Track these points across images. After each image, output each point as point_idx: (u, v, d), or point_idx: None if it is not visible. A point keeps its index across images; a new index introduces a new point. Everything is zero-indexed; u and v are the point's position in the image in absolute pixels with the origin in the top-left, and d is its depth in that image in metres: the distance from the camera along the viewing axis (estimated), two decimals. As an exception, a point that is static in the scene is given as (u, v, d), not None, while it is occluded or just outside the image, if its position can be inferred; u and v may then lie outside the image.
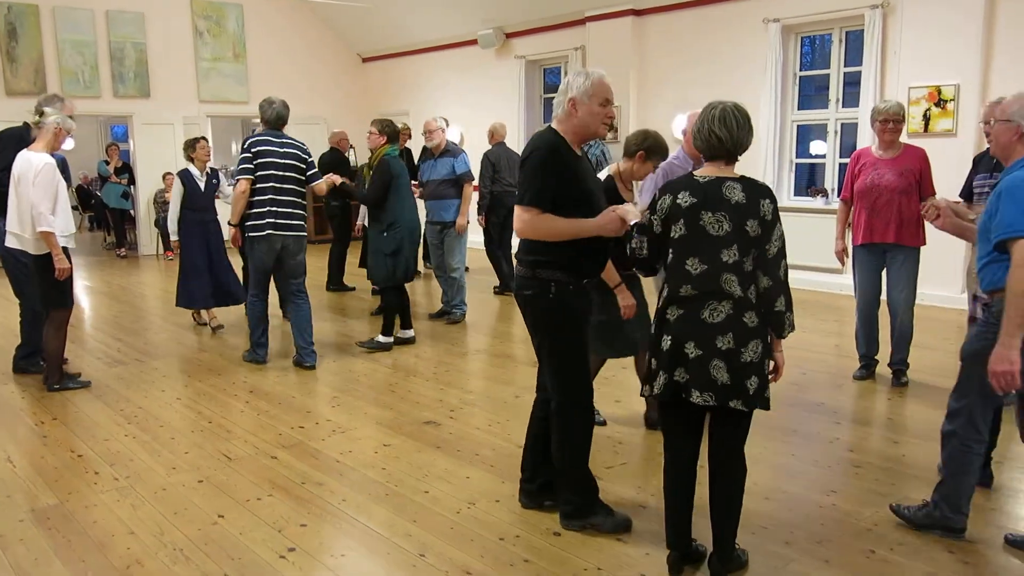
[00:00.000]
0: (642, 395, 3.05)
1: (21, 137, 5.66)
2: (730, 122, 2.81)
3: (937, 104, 7.85)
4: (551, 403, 3.39)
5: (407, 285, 6.61)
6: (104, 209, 14.01)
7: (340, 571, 3.14)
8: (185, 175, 7.11)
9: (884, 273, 5.35)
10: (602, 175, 4.29)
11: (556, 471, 3.47)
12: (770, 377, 2.92)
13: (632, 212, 3.08)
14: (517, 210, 3.21)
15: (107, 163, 13.51)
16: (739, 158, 2.91)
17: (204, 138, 7.43)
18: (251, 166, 5.80)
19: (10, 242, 5.34)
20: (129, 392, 5.52)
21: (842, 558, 3.17)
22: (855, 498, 3.71)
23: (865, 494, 3.76)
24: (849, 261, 5.54)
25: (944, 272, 7.77)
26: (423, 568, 3.14)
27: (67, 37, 12.16)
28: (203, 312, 7.47)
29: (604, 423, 4.72)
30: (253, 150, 5.82)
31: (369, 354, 6.38)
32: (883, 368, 5.52)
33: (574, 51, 11.23)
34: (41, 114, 5.27)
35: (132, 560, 3.23)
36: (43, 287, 5.34)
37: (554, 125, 3.31)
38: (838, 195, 6.04)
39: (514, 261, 3.50)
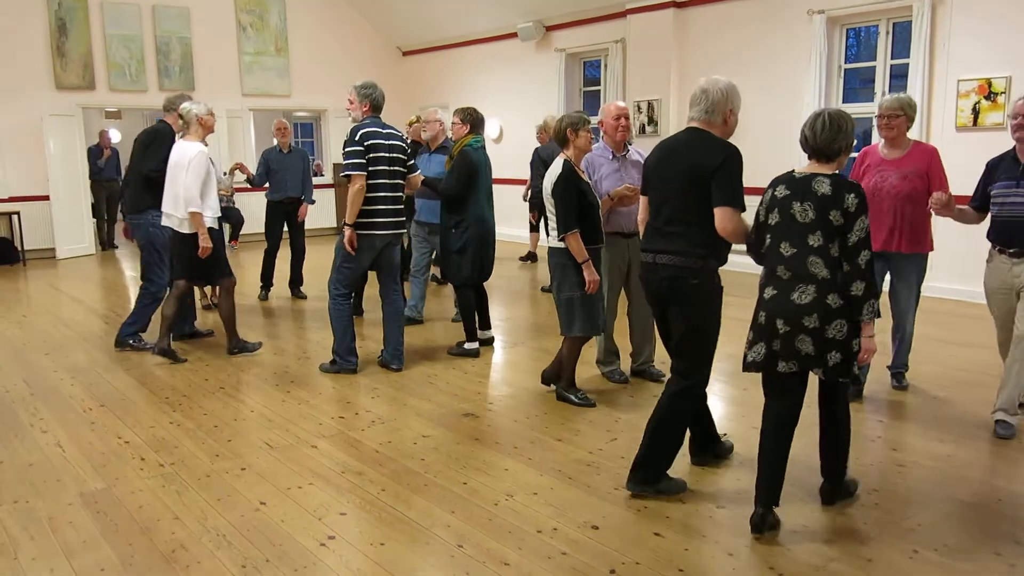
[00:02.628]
0: (745, 371, 3.39)
1: (172, 134, 6.27)
2: (816, 125, 3.26)
3: (987, 97, 7.67)
4: (673, 381, 3.68)
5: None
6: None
7: (379, 560, 3.17)
8: None
9: (888, 277, 4.96)
10: (557, 166, 4.74)
11: (654, 442, 3.68)
12: (859, 362, 3.28)
13: None
14: (726, 211, 3.41)
15: (153, 156, 13.76)
16: (839, 160, 3.29)
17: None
18: (364, 160, 5.30)
19: (163, 221, 5.98)
20: (174, 380, 5.62)
21: (884, 558, 3.13)
22: (898, 497, 3.65)
23: (909, 494, 3.69)
24: None
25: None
26: (461, 559, 3.16)
27: (114, 32, 12.40)
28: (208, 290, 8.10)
29: (594, 404, 4.92)
30: (366, 142, 5.30)
31: (406, 346, 6.41)
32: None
33: (614, 44, 11.17)
34: (181, 116, 5.92)
35: (177, 544, 3.29)
36: (191, 262, 5.95)
37: (704, 128, 3.58)
38: None
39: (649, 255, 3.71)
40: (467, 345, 6.17)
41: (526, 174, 9.97)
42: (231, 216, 12.27)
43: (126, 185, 6.66)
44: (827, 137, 3.23)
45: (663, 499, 3.64)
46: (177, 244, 5.95)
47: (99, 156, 12.79)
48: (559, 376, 5.08)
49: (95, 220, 12.83)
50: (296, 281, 8.63)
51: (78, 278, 10.33)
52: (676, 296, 3.61)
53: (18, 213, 11.60)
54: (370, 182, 5.36)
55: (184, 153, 5.79)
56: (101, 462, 4.18)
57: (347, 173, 5.33)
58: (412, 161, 5.70)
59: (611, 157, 5.14)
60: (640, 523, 3.42)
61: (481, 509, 3.58)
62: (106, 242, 12.96)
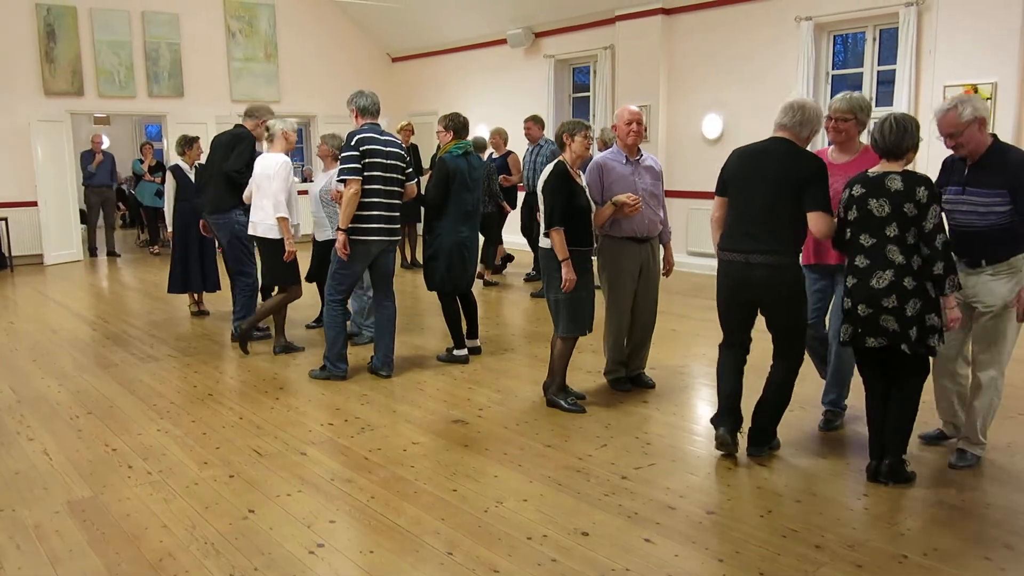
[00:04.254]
0: (841, 342, 3.87)
1: (252, 139, 6.65)
2: (885, 130, 3.64)
3: (974, 103, 7.71)
4: (783, 364, 4.10)
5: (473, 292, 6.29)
6: (138, 207, 14.21)
7: (368, 567, 3.16)
8: (176, 170, 7.77)
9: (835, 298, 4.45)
10: (552, 165, 4.84)
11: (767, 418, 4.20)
12: (946, 328, 3.65)
13: None
14: (823, 216, 3.83)
15: (142, 162, 13.71)
16: (907, 157, 3.67)
17: (198, 138, 8.13)
18: (359, 165, 5.33)
19: (250, 230, 6.25)
20: (162, 387, 5.59)
21: (874, 563, 3.13)
22: (888, 502, 3.66)
23: (898, 498, 3.70)
24: None
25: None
26: (450, 566, 3.15)
27: (103, 38, 12.36)
28: (196, 296, 8.09)
29: (584, 410, 4.92)
30: (361, 148, 5.34)
31: (396, 353, 6.39)
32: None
33: (603, 50, 11.20)
34: (268, 129, 6.14)
35: (164, 553, 3.27)
36: (276, 267, 6.18)
37: (792, 139, 3.98)
38: None
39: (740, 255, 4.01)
40: (456, 352, 6.16)
41: (518, 181, 9.97)
42: None
43: (205, 186, 7.06)
44: (895, 139, 3.62)
45: (651, 505, 3.65)
46: (274, 250, 6.10)
47: (91, 161, 12.56)
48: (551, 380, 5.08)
49: (86, 227, 12.77)
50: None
51: (66, 284, 10.27)
52: (775, 292, 3.99)
53: (5, 219, 11.53)
54: (366, 187, 5.37)
55: (270, 164, 5.99)
56: (88, 470, 4.16)
57: (343, 178, 5.37)
58: (410, 169, 5.69)
59: (624, 161, 5.10)
60: (630, 530, 3.42)
61: (471, 516, 3.57)
62: (97, 249, 12.83)
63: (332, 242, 6.10)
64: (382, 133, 5.51)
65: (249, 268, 6.85)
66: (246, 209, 6.43)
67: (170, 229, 7.81)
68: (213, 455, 4.34)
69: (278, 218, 5.96)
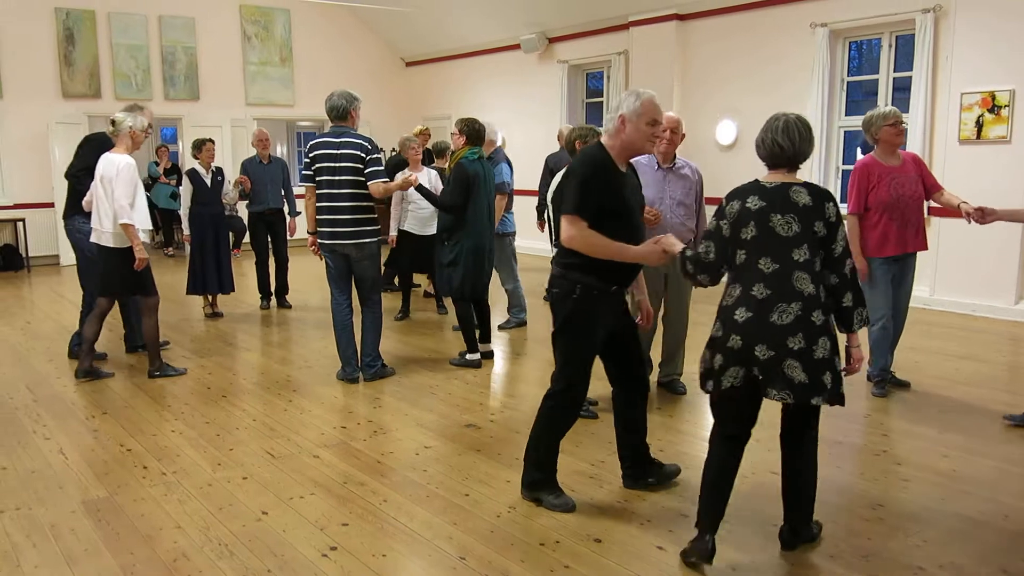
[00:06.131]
0: (704, 389, 3.14)
1: (102, 143, 5.95)
2: (792, 133, 3.03)
3: (991, 110, 7.67)
4: (551, 386, 3.71)
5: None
6: (153, 209, 14.30)
7: (381, 571, 3.16)
8: (192, 174, 7.81)
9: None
10: (560, 175, 4.64)
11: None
12: (842, 371, 3.02)
13: (676, 243, 3.28)
14: (564, 219, 3.42)
15: (157, 164, 13.80)
16: (800, 166, 3.11)
17: (211, 140, 8.08)
18: (310, 171, 5.43)
19: (93, 237, 5.69)
20: (175, 388, 5.62)
21: (889, 574, 3.11)
22: (903, 513, 3.64)
23: (913, 509, 3.68)
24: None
25: (997, 282, 7.60)
26: (463, 571, 3.15)
27: (121, 42, 12.48)
28: (211, 298, 8.13)
29: (596, 416, 4.90)
30: (311, 153, 5.42)
31: (409, 356, 6.41)
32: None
33: (617, 56, 11.20)
34: (113, 123, 5.60)
35: (179, 554, 3.28)
36: (124, 278, 5.67)
37: (603, 140, 3.54)
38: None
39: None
40: (468, 356, 6.16)
41: (528, 185, 10.00)
42: (234, 225, 12.28)
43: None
44: (805, 145, 3.05)
45: (664, 512, 3.63)
46: (107, 260, 5.63)
47: None
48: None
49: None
50: (281, 290, 8.63)
51: (81, 286, 10.33)
52: (550, 304, 3.74)
53: (23, 220, 11.63)
54: (319, 191, 5.43)
55: (112, 164, 5.50)
56: (103, 470, 4.18)
57: (300, 184, 5.55)
58: (370, 169, 5.38)
59: (656, 168, 4.99)
60: (643, 536, 3.41)
61: (483, 521, 3.57)
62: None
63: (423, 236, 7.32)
64: (341, 135, 5.41)
65: (89, 283, 6.29)
66: (88, 216, 5.85)
67: (186, 232, 7.85)
68: (227, 456, 4.36)
69: (122, 224, 5.43)
